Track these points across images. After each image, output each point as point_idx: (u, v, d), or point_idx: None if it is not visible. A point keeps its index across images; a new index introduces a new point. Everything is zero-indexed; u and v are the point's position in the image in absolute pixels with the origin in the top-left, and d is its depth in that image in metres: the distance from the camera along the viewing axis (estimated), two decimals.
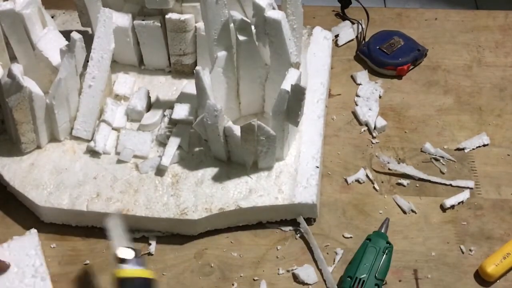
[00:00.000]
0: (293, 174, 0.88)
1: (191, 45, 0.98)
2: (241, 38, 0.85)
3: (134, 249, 0.77)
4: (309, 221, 0.89)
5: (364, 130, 0.99)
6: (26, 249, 0.84)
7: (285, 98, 0.80)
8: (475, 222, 0.88)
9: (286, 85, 0.80)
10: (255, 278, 0.83)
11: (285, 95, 0.80)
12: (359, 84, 1.06)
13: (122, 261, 0.75)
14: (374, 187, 0.92)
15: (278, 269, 0.84)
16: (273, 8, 0.83)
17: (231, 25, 0.86)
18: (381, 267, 0.80)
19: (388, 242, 0.82)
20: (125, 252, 0.76)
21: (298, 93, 0.79)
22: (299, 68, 0.85)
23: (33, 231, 0.86)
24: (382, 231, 0.85)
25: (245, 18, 0.84)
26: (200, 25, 0.95)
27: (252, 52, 0.87)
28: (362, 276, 0.79)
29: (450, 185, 0.92)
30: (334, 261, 0.85)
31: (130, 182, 0.89)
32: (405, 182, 0.92)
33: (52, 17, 1.12)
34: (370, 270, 0.80)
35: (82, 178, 0.89)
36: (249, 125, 0.81)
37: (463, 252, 0.85)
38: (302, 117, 0.84)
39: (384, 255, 0.81)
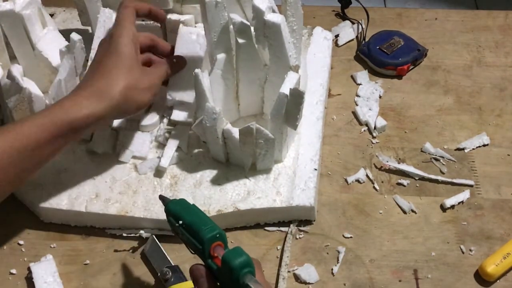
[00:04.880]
0: (291, 177, 0.88)
1: None
2: (240, 41, 0.85)
3: (173, 267, 0.81)
4: (309, 221, 0.89)
5: (364, 130, 0.99)
6: (44, 276, 0.83)
7: (284, 102, 0.80)
8: (475, 222, 0.88)
9: (285, 89, 0.80)
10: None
11: (284, 99, 0.80)
12: (359, 84, 1.06)
13: (166, 281, 0.79)
14: (374, 187, 0.92)
15: (279, 269, 0.84)
16: (273, 11, 0.83)
17: (231, 27, 0.86)
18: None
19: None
20: (167, 272, 0.80)
21: (297, 97, 0.79)
22: (298, 71, 0.85)
23: (49, 256, 0.85)
24: None
25: (244, 21, 0.84)
26: (200, 26, 0.95)
27: (251, 55, 0.86)
28: None
29: (451, 183, 0.92)
30: (338, 259, 0.85)
31: (129, 183, 0.89)
32: (405, 182, 0.92)
33: (52, 15, 1.12)
34: None
35: (81, 179, 0.89)
36: (248, 128, 0.81)
37: (463, 252, 0.85)
38: (300, 120, 0.84)
39: None
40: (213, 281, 0.66)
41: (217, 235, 0.68)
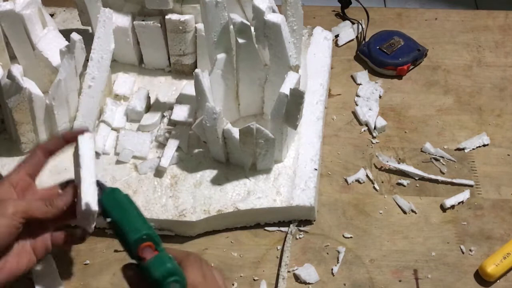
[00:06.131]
0: (292, 176, 0.88)
1: (191, 45, 0.98)
2: (240, 41, 0.85)
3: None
4: (309, 221, 0.89)
5: (364, 130, 0.99)
6: (44, 275, 0.82)
7: (284, 102, 0.80)
8: (475, 222, 0.88)
9: (285, 89, 0.80)
10: (255, 278, 0.83)
11: (284, 99, 0.80)
12: (359, 84, 1.06)
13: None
14: (374, 187, 0.92)
15: (279, 269, 0.84)
16: (273, 11, 0.83)
17: (231, 27, 0.86)
18: None
19: None
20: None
21: (297, 97, 0.79)
22: (298, 71, 0.85)
23: (48, 256, 0.84)
24: None
25: (244, 21, 0.84)
26: (200, 25, 0.95)
27: (251, 55, 0.86)
28: None
29: (451, 183, 0.92)
30: (338, 259, 0.85)
31: (129, 183, 0.89)
32: (405, 182, 0.92)
33: (52, 15, 1.12)
34: None
35: None
36: (248, 128, 0.81)
37: (463, 252, 0.85)
38: (300, 120, 0.84)
39: None
40: (144, 283, 0.64)
41: (144, 237, 0.64)
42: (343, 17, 1.17)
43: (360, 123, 1.00)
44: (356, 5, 1.16)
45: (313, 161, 0.90)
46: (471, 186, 0.92)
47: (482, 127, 0.99)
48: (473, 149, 0.96)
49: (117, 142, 0.93)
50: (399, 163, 0.94)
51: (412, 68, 1.08)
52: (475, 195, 0.91)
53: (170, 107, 0.96)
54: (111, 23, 0.93)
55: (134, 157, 0.91)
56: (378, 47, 1.08)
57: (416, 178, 0.93)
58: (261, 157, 0.86)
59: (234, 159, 0.89)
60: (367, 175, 0.94)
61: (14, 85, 0.84)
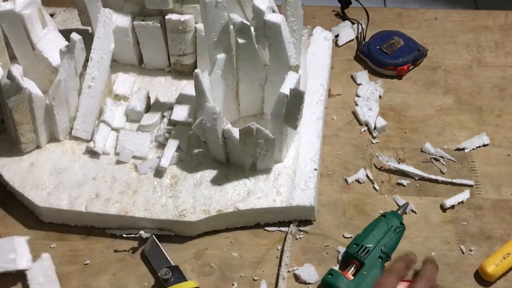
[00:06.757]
0: (292, 176, 0.88)
1: (191, 45, 0.98)
2: (240, 41, 0.85)
3: (173, 267, 0.82)
4: (309, 221, 0.89)
5: (364, 130, 0.99)
6: (40, 276, 0.83)
7: (284, 102, 0.80)
8: (475, 222, 0.88)
9: (285, 89, 0.80)
10: (255, 278, 0.83)
11: (284, 99, 0.80)
12: (359, 84, 1.06)
13: (166, 281, 0.80)
14: (374, 187, 0.92)
15: (279, 269, 0.84)
16: (273, 11, 0.83)
17: (231, 27, 0.86)
18: (389, 243, 0.83)
19: (401, 223, 0.85)
20: (167, 272, 0.81)
21: (297, 97, 0.79)
22: (298, 71, 0.85)
23: (45, 255, 0.84)
24: (399, 212, 0.87)
25: (244, 21, 0.84)
26: (200, 25, 0.95)
27: (251, 55, 0.86)
28: (369, 245, 0.82)
29: (451, 183, 0.92)
30: (338, 259, 0.85)
31: (129, 183, 0.89)
32: (405, 182, 0.92)
33: (52, 15, 1.12)
34: (377, 242, 0.82)
35: (81, 179, 0.89)
36: (248, 128, 0.81)
37: (463, 252, 0.85)
38: (301, 120, 0.84)
39: (395, 233, 0.83)
40: None
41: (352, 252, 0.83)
42: (343, 17, 1.17)
43: (360, 123, 1.00)
44: (356, 5, 1.16)
45: (313, 161, 0.90)
46: (471, 186, 0.92)
47: (482, 127, 0.99)
48: (473, 149, 0.96)
49: (117, 142, 0.93)
50: (399, 163, 0.94)
51: (412, 68, 1.08)
52: (475, 195, 0.91)
53: (170, 107, 0.96)
54: (111, 23, 0.93)
55: (134, 157, 0.91)
56: (378, 47, 1.08)
57: (416, 178, 0.93)
58: (261, 157, 0.86)
59: (234, 159, 0.89)
60: (367, 175, 0.94)
61: (14, 85, 0.84)
